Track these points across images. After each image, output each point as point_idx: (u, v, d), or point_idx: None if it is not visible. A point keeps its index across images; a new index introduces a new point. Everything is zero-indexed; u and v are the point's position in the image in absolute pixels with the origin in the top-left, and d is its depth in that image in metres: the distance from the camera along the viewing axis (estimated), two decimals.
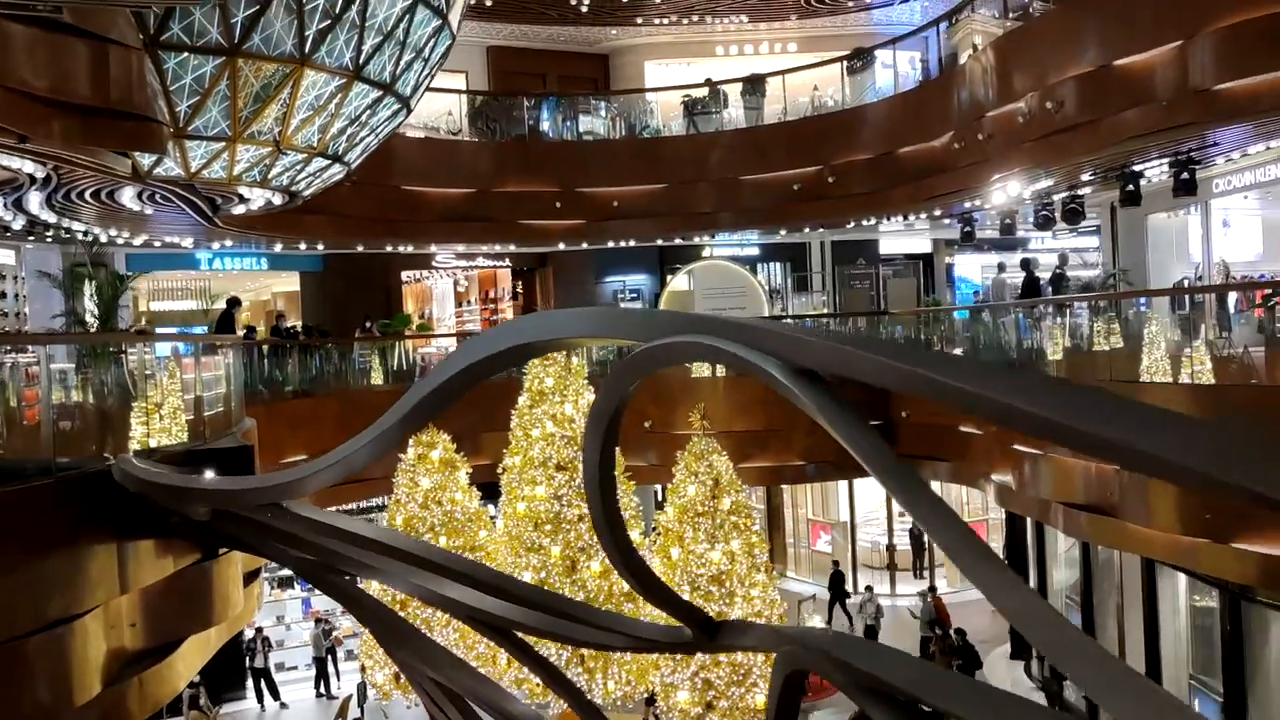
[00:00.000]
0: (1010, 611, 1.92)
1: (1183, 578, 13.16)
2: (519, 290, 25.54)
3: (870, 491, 23.74)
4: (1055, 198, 16.08)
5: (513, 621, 4.04)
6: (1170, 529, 10.64)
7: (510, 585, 4.68)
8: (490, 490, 15.04)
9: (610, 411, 2.32)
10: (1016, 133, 13.94)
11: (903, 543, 23.91)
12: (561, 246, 21.88)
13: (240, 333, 17.18)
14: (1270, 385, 10.86)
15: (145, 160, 10.29)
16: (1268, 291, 12.79)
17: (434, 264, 23.67)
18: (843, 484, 23.56)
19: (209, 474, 7.66)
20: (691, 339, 2.09)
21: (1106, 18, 12.46)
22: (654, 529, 13.76)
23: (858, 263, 23.43)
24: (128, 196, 12.10)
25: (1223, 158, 14.28)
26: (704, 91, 20.66)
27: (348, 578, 6.08)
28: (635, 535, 13.93)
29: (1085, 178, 14.73)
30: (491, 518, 14.81)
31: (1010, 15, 17.24)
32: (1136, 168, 13.77)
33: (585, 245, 21.65)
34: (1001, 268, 20.10)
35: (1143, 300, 14.25)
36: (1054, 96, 12.89)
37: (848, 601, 20.50)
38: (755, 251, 24.76)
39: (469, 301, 25.77)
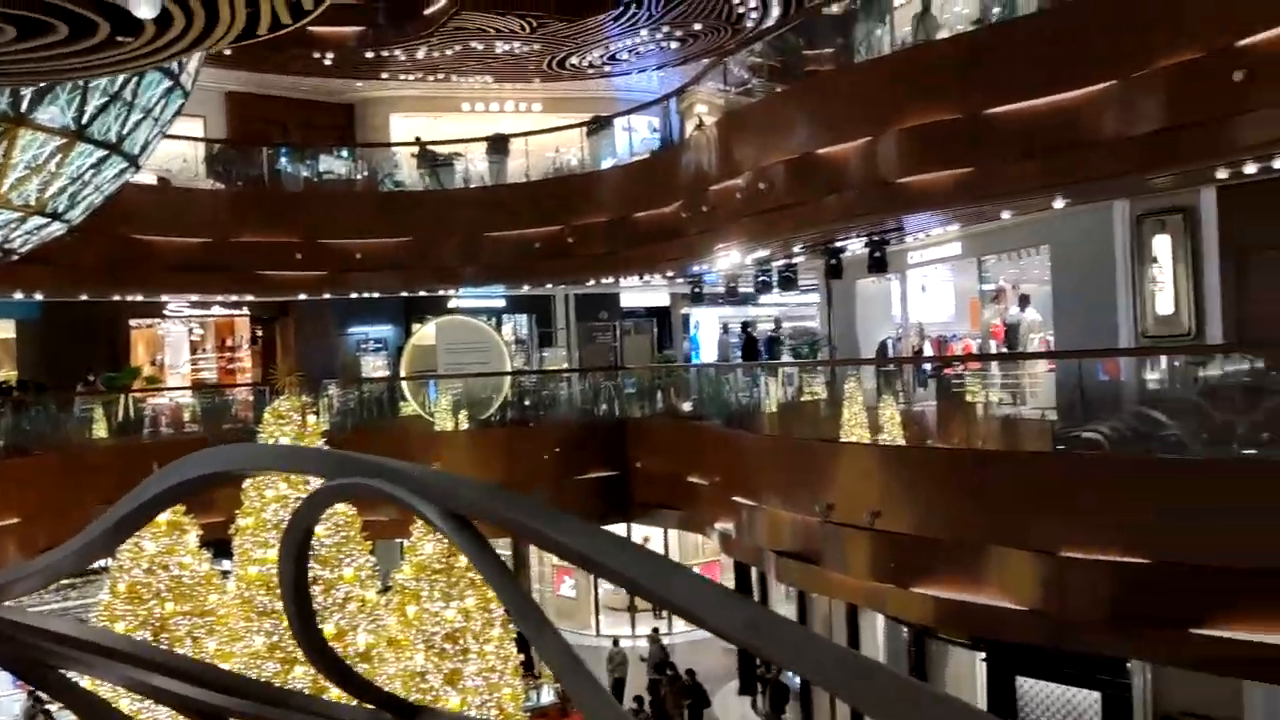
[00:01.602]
0: None
1: (881, 616, 14.53)
2: (259, 336, 24.93)
3: None
4: (774, 265, 17.45)
5: (221, 709, 4.28)
6: (863, 576, 11.80)
7: (214, 675, 4.94)
8: (226, 547, 14.66)
9: (299, 541, 2.76)
10: (735, 207, 15.05)
11: None
12: (303, 296, 21.61)
13: None
14: (941, 446, 12.27)
15: None
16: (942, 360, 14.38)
17: (165, 312, 22.80)
18: None
19: None
20: (364, 481, 2.56)
21: (810, 109, 13.77)
22: (389, 587, 13.85)
23: (600, 315, 24.30)
24: None
25: (911, 237, 16.00)
26: (446, 147, 21.04)
27: (57, 671, 6.04)
28: (371, 594, 13.98)
29: (797, 249, 16.11)
30: (225, 573, 14.44)
31: (734, 89, 18.58)
32: (839, 244, 15.22)
33: (327, 296, 21.48)
34: (725, 329, 21.57)
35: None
36: (766, 177, 14.06)
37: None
38: (502, 303, 25.24)
39: (205, 350, 24.91)
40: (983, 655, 12.49)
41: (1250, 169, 10.51)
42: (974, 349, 17.60)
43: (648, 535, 24.80)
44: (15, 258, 12.70)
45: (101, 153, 11.45)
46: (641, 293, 25.75)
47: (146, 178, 18.59)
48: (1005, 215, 13.74)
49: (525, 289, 23.63)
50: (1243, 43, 9.12)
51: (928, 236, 16.11)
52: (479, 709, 13.80)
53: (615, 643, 20.74)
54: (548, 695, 17.82)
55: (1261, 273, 11.81)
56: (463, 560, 13.84)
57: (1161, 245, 12.33)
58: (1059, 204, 12.47)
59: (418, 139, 21.34)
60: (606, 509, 19.27)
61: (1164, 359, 12.14)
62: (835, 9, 15.70)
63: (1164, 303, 12.29)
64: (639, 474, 18.56)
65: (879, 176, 12.44)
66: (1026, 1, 12.23)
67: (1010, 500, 10.49)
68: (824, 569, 12.35)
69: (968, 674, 12.79)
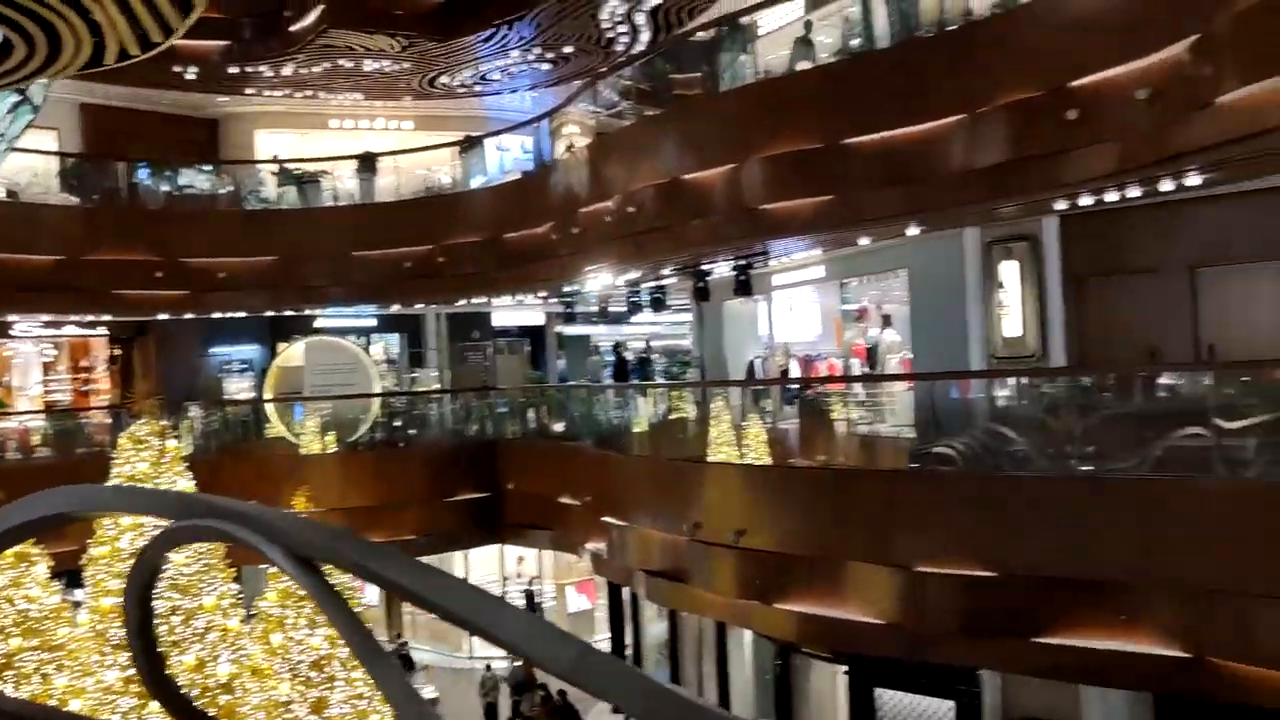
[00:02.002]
0: None
1: (749, 633, 14.83)
2: (117, 356, 24.02)
3: (485, 558, 24.42)
4: (644, 286, 17.68)
5: None
6: (729, 593, 12.04)
7: (44, 714, 4.94)
8: (78, 577, 14.09)
9: (144, 583, 2.77)
10: (605, 230, 15.19)
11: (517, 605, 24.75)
12: (163, 316, 20.94)
13: None
14: (803, 465, 12.65)
15: None
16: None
17: (12, 332, 21.81)
18: (459, 552, 24.14)
19: None
20: (211, 523, 2.59)
21: (677, 135, 14.02)
22: (254, 614, 13.53)
23: (473, 335, 24.19)
24: None
25: (776, 260, 16.44)
26: (313, 164, 20.71)
27: None
28: (234, 623, 13.62)
29: (667, 272, 16.37)
30: (77, 604, 13.88)
31: (604, 111, 18.79)
32: (706, 266, 15.54)
33: (189, 316, 20.87)
34: (596, 349, 21.85)
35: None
36: (634, 201, 14.24)
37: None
38: (373, 322, 24.89)
39: (58, 371, 23.90)
40: (844, 668, 12.88)
41: (1085, 200, 11.17)
42: (838, 368, 18.14)
43: (522, 555, 24.74)
44: None
45: None
46: (515, 311, 25.72)
47: None
48: (864, 241, 14.25)
49: (396, 308, 23.37)
50: (1075, 83, 9.69)
51: (791, 260, 16.58)
52: None
53: (488, 666, 20.59)
54: None
55: (1095, 297, 12.54)
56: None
57: (1009, 271, 12.97)
58: (913, 231, 13.00)
59: (275, 157, 20.94)
60: (478, 530, 19.22)
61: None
62: (703, 36, 16.03)
63: (1011, 325, 12.92)
64: (511, 495, 18.54)
65: (743, 202, 12.73)
66: (885, 34, 12.70)
67: (868, 517, 10.88)
68: (692, 587, 12.56)
69: (830, 687, 13.18)
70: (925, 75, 11.01)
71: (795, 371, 18.87)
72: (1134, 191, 10.58)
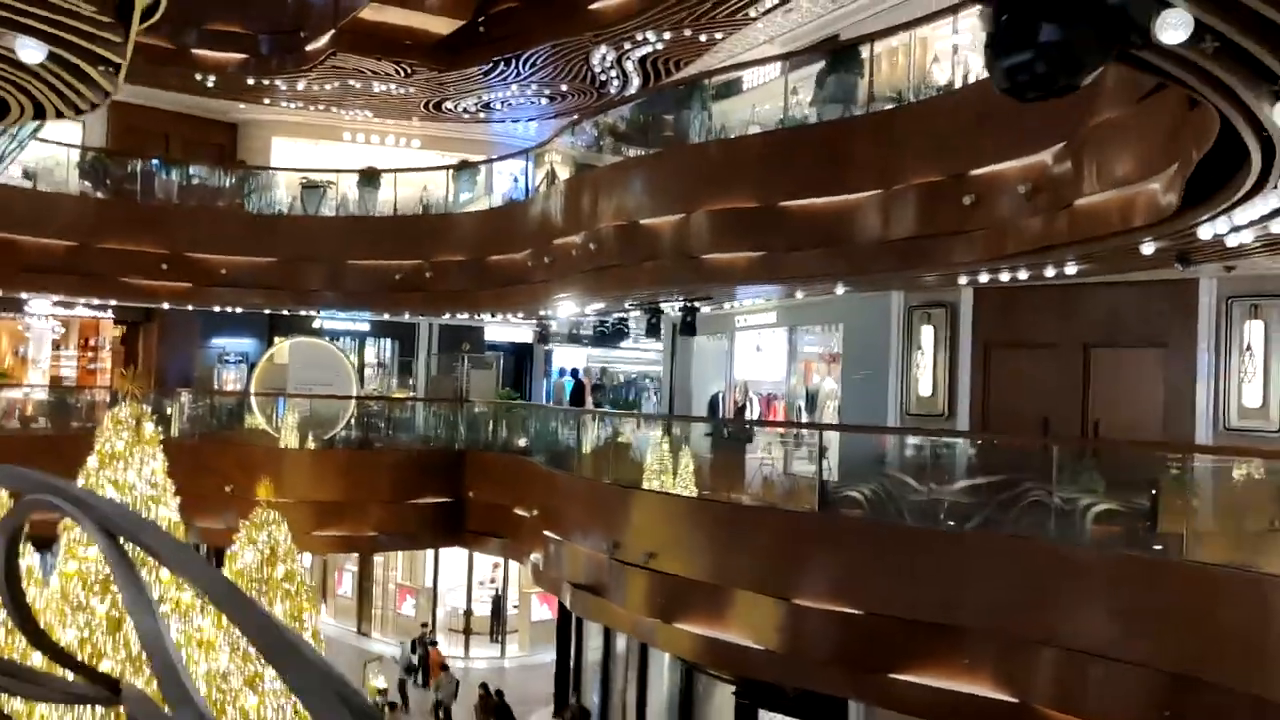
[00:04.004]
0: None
1: (668, 655, 15.75)
2: (124, 339, 25.27)
3: (454, 560, 25.44)
4: (612, 317, 18.73)
5: None
6: (637, 610, 13.02)
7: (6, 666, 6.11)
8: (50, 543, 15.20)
9: (7, 544, 3.78)
10: (572, 262, 16.24)
11: (481, 609, 25.75)
12: (166, 306, 22.15)
13: None
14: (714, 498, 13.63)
15: None
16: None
17: (26, 309, 23.10)
18: (430, 552, 25.20)
19: None
20: (46, 498, 3.62)
21: (639, 183, 15.07)
22: None
23: (462, 347, 25.29)
24: None
25: (734, 303, 17.46)
26: (321, 175, 21.89)
27: None
28: (187, 596, 14.72)
29: (628, 305, 17.40)
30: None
31: (584, 146, 19.84)
32: (662, 304, 16.57)
33: (191, 307, 22.08)
34: (561, 372, 23.10)
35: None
36: (598, 239, 15.30)
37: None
38: (366, 327, 26.04)
39: (66, 347, 25.19)
40: (733, 689, 13.81)
41: (983, 277, 12.12)
42: (789, 408, 19.07)
43: (497, 562, 25.71)
44: None
45: None
46: (504, 328, 26.77)
47: (16, 177, 19.04)
48: (800, 294, 15.23)
49: (385, 316, 24.50)
50: (973, 172, 10.67)
51: (740, 305, 17.60)
52: (276, 710, 14.65)
53: (444, 666, 21.48)
54: None
55: (1000, 366, 13.47)
56: (279, 571, 14.69)
57: (927, 335, 13.92)
58: (840, 290, 13.98)
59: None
60: (439, 532, 20.27)
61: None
62: (677, 90, 17.07)
63: (924, 385, 13.87)
64: (473, 502, 19.56)
65: (687, 249, 13.76)
66: (833, 105, 13.65)
67: (763, 550, 11.83)
68: (608, 602, 13.54)
69: (726, 708, 14.11)
70: (850, 150, 12.02)
71: (755, 408, 19.81)
72: (1022, 274, 11.53)
